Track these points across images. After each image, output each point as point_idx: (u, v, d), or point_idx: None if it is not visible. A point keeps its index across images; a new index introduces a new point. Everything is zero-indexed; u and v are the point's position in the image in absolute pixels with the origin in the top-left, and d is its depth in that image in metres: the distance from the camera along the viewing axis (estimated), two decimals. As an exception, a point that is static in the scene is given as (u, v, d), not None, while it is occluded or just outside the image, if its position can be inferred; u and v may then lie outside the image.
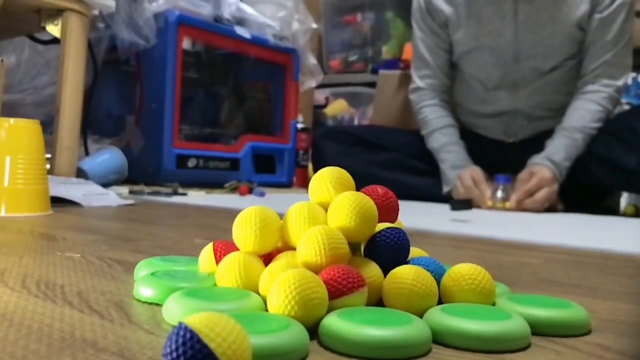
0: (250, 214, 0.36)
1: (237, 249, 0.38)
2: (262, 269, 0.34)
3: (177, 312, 0.30)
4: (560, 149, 1.41)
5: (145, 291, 0.35)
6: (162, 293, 0.34)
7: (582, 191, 1.50)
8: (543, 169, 1.39)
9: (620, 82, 1.45)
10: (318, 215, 0.36)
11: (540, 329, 0.31)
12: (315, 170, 1.88)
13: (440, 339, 0.29)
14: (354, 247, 0.37)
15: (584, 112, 1.44)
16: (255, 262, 0.35)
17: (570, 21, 1.44)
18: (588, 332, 0.32)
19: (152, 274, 0.37)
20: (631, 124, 1.38)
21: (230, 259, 0.35)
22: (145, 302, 0.35)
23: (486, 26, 1.49)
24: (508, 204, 1.38)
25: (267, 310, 0.31)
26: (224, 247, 0.39)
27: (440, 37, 1.58)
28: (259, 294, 0.33)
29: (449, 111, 1.62)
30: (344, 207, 0.35)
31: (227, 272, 0.34)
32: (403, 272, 0.32)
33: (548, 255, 0.66)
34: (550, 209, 1.44)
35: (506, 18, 1.46)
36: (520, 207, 1.38)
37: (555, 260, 0.62)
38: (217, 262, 0.38)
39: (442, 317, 0.29)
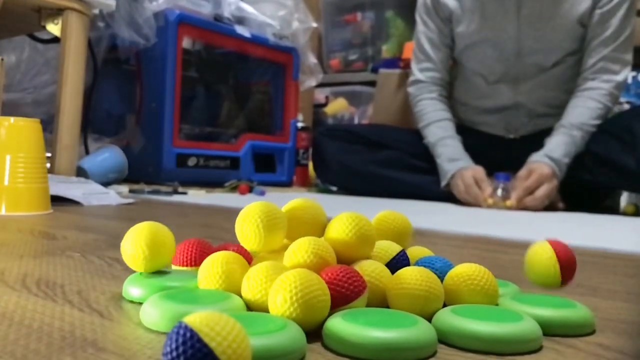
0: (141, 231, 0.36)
1: (203, 249, 0.39)
2: (244, 270, 0.34)
3: (154, 315, 0.29)
4: (559, 146, 1.42)
5: (134, 291, 0.35)
6: (151, 293, 0.34)
7: (582, 191, 1.50)
8: (542, 165, 1.39)
9: (619, 78, 1.45)
10: (274, 216, 0.35)
11: (545, 329, 0.31)
12: (315, 169, 1.87)
13: (450, 340, 0.29)
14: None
15: (583, 110, 1.44)
16: (238, 264, 0.34)
17: (572, 17, 1.44)
18: (592, 332, 0.32)
19: (140, 273, 0.37)
20: (630, 125, 1.38)
21: (211, 260, 0.34)
22: (134, 302, 0.34)
23: (489, 20, 1.50)
24: (509, 203, 1.37)
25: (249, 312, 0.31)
26: (191, 248, 0.39)
27: (443, 32, 1.59)
28: (241, 296, 0.32)
29: (447, 105, 1.62)
30: (342, 226, 0.35)
31: (208, 274, 0.34)
32: (412, 276, 0.32)
33: (548, 254, 0.65)
34: (551, 207, 1.43)
35: (509, 13, 1.47)
36: (520, 206, 1.37)
37: (555, 259, 0.62)
38: (188, 263, 0.39)
39: (453, 319, 0.29)
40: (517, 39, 1.49)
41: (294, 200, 0.39)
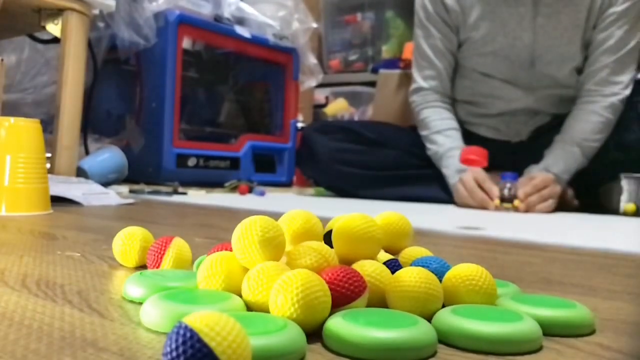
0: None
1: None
2: (245, 270, 0.34)
3: (154, 315, 0.29)
4: (558, 161, 1.39)
5: (134, 291, 0.35)
6: (151, 293, 0.34)
7: (580, 186, 1.48)
8: (544, 173, 1.37)
9: (623, 90, 1.41)
10: (272, 230, 0.34)
11: (545, 329, 0.31)
12: (303, 171, 1.83)
13: (450, 340, 0.29)
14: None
15: (585, 124, 1.40)
16: (238, 264, 0.34)
17: (587, 28, 1.40)
18: (592, 332, 0.32)
19: (141, 273, 0.37)
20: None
21: (211, 260, 0.34)
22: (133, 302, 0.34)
23: (503, 28, 1.43)
24: (517, 202, 1.33)
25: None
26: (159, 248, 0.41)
27: (447, 37, 1.52)
28: (241, 296, 0.32)
29: (452, 113, 1.56)
30: (349, 225, 0.36)
31: (208, 274, 0.33)
32: (411, 276, 0.32)
33: (548, 254, 0.66)
34: (565, 205, 1.41)
35: (524, 21, 1.41)
36: (528, 204, 1.33)
37: (555, 259, 0.62)
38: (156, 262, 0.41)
39: (453, 319, 0.29)
40: (531, 49, 1.43)
41: (291, 215, 0.39)
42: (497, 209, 1.35)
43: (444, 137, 1.51)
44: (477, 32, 1.47)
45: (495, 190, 1.36)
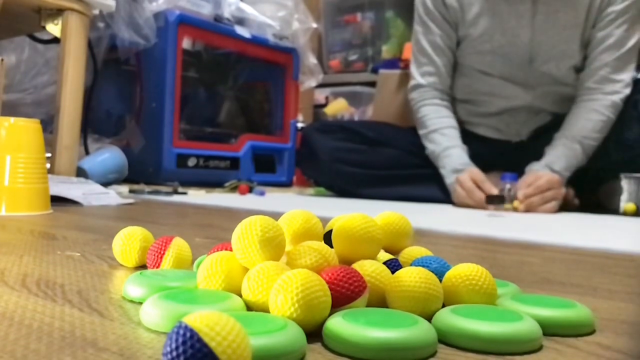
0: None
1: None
2: (245, 270, 0.34)
3: (154, 315, 0.29)
4: (559, 158, 1.39)
5: (134, 291, 0.35)
6: (151, 293, 0.34)
7: (579, 184, 1.49)
8: (548, 173, 1.36)
9: (623, 89, 1.41)
10: (272, 230, 0.34)
11: (545, 329, 0.31)
12: (303, 171, 1.82)
13: (450, 340, 0.29)
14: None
15: (586, 122, 1.41)
16: (238, 263, 0.34)
17: (587, 26, 1.41)
18: (592, 332, 0.32)
19: (141, 273, 0.37)
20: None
21: (211, 260, 0.34)
22: (133, 302, 0.34)
23: (501, 25, 1.43)
24: (516, 203, 1.32)
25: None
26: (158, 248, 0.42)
27: (447, 34, 1.52)
28: (241, 296, 0.32)
29: (451, 111, 1.56)
30: (349, 225, 0.36)
31: (208, 274, 0.33)
32: (412, 276, 0.32)
33: (548, 254, 0.66)
34: (565, 204, 1.41)
35: (523, 19, 1.42)
36: (528, 205, 1.33)
37: (555, 259, 0.62)
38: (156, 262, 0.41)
39: (453, 319, 0.29)
40: (530, 46, 1.43)
41: (291, 215, 0.39)
42: (496, 209, 1.35)
43: (440, 136, 1.50)
44: (476, 29, 1.47)
45: (494, 190, 1.36)
